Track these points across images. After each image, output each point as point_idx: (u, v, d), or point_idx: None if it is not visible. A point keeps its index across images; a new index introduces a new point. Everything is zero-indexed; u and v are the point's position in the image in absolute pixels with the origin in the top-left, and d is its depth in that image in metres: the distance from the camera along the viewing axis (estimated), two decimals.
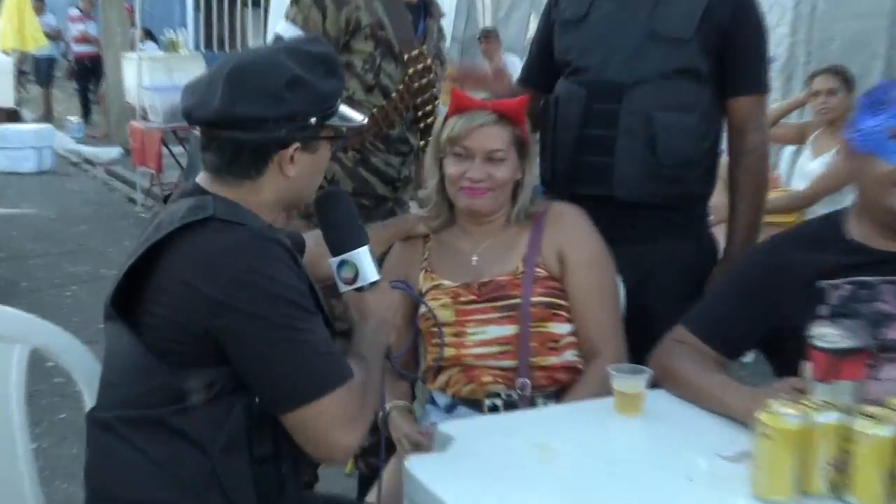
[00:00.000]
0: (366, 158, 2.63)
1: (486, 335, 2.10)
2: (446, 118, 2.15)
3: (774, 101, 7.27)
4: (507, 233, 2.19)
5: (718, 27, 2.25)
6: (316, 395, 1.50)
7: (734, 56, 2.29)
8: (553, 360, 2.11)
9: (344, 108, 1.71)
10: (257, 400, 1.54)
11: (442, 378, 2.15)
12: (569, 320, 2.13)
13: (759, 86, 2.35)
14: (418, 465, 1.58)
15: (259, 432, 1.55)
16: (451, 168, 2.12)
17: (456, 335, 2.12)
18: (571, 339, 2.13)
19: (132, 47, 10.25)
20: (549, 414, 1.87)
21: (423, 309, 2.14)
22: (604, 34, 2.29)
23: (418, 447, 1.90)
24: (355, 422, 1.55)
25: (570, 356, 2.13)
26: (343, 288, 1.71)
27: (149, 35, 11.16)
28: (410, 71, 2.60)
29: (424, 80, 2.64)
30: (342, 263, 1.70)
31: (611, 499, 1.51)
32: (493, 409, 2.08)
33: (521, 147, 2.15)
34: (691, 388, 1.85)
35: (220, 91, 1.56)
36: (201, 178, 1.65)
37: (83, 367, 1.88)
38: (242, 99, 1.57)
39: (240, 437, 1.54)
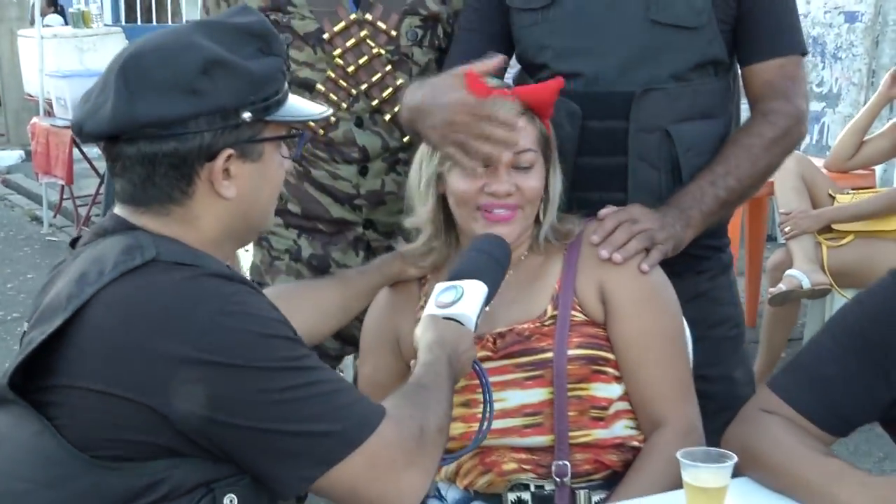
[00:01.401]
0: (307, 171, 2.51)
1: (507, 403, 1.99)
2: None
3: (857, 72, 7.35)
4: (529, 265, 2.10)
5: None
6: (358, 440, 1.44)
7: (753, 14, 2.21)
8: (600, 433, 2.00)
9: (294, 99, 1.61)
10: (227, 501, 1.44)
11: (450, 467, 2.05)
12: (618, 380, 2.02)
13: (789, 46, 2.26)
14: None
15: None
16: (461, 183, 2.01)
17: (464, 405, 2.01)
18: (623, 405, 2.03)
19: (31, 23, 10.19)
20: None
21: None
22: (587, 27, 2.19)
23: None
24: (414, 462, 1.50)
25: (622, 430, 2.03)
26: (431, 308, 1.80)
27: (53, 5, 11.14)
28: (337, 51, 2.43)
29: (365, 58, 2.45)
30: (451, 287, 1.80)
31: None
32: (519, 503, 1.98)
33: (546, 148, 2.05)
34: (789, 478, 1.78)
35: (115, 91, 1.46)
36: (121, 211, 1.55)
37: None
38: (143, 97, 1.46)
39: None
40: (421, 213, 2.09)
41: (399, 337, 2.11)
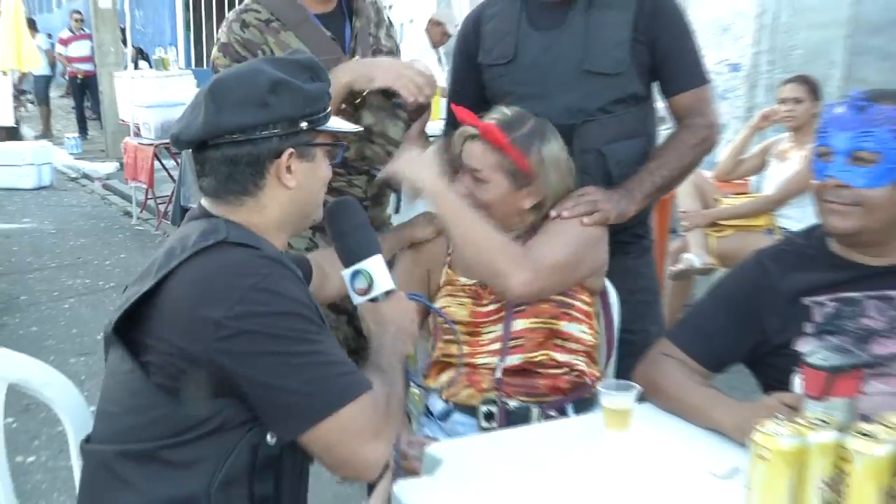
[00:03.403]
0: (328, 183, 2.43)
1: (497, 332, 2.01)
2: None
3: (736, 117, 7.36)
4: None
5: (647, 43, 2.16)
6: (336, 406, 1.38)
7: (668, 58, 2.20)
8: (559, 357, 2.00)
9: (336, 119, 1.60)
10: (269, 436, 1.42)
11: (444, 377, 2.05)
12: (580, 321, 2.03)
13: (699, 79, 2.25)
14: (406, 490, 1.49)
15: (262, 471, 1.43)
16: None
17: (470, 334, 2.02)
18: (580, 347, 2.03)
19: (125, 67, 10.14)
20: (537, 432, 1.78)
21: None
22: (539, 77, 2.18)
23: (409, 471, 1.81)
24: (380, 434, 1.42)
25: (577, 361, 2.02)
26: (357, 300, 1.60)
27: (141, 54, 11.07)
28: None
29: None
30: (356, 274, 1.59)
31: None
32: (489, 416, 1.97)
33: (514, 177, 2.00)
34: (679, 403, 1.79)
35: (204, 107, 1.46)
36: (205, 203, 1.54)
37: (65, 398, 1.75)
38: (227, 110, 1.46)
39: (241, 475, 1.42)
40: None
41: (430, 270, 2.14)
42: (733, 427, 1.63)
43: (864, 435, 1.38)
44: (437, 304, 2.06)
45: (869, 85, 1.89)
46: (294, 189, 1.52)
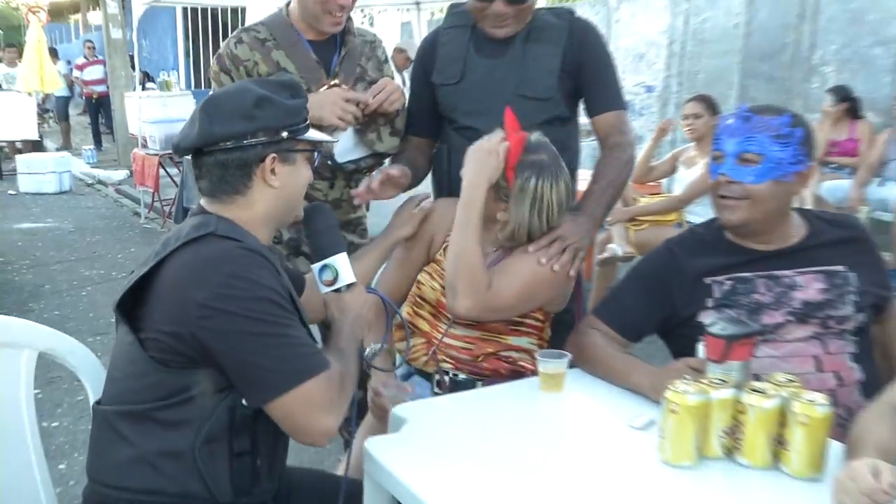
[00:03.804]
0: None
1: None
2: None
3: (651, 130, 7.43)
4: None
5: (573, 72, 2.14)
6: (297, 381, 1.35)
7: (592, 84, 2.17)
8: (511, 340, 1.93)
9: (314, 131, 1.58)
10: (243, 400, 1.40)
11: (409, 342, 1.98)
12: (529, 334, 1.95)
13: (617, 103, 2.21)
14: (375, 446, 1.47)
15: (239, 429, 1.41)
16: None
17: (433, 315, 1.97)
18: (525, 352, 1.94)
19: (134, 88, 9.99)
20: (485, 395, 1.76)
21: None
22: (482, 97, 2.13)
23: (380, 407, 1.77)
24: (333, 407, 1.39)
25: (526, 342, 1.95)
26: (324, 290, 1.58)
27: (147, 77, 10.89)
28: None
29: None
30: (324, 268, 1.57)
31: (537, 466, 1.43)
32: (440, 383, 1.93)
33: (497, 185, 1.88)
34: (603, 368, 1.79)
35: (199, 120, 1.45)
36: (202, 202, 1.52)
37: (86, 365, 1.73)
38: (218, 121, 1.44)
39: (221, 433, 1.40)
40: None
41: (434, 235, 2.04)
42: (649, 387, 1.64)
43: (756, 391, 1.41)
44: (418, 278, 2.01)
45: (758, 102, 1.92)
46: (278, 188, 1.49)
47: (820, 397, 1.38)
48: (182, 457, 1.39)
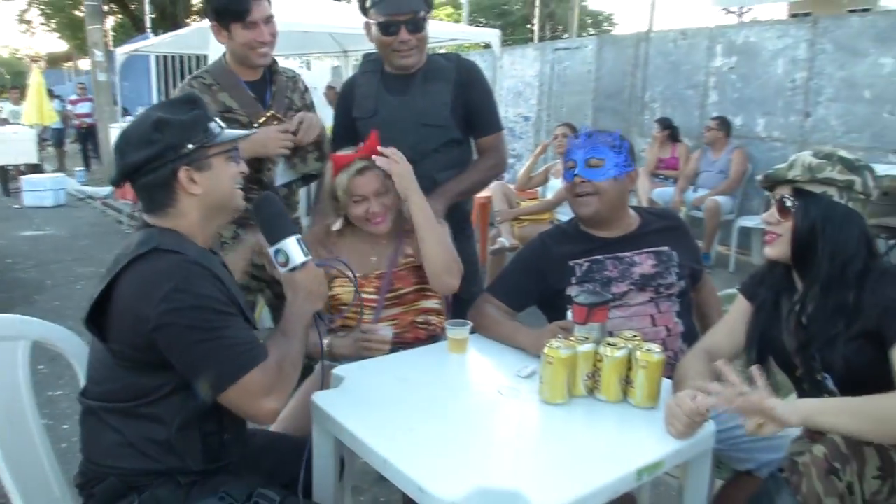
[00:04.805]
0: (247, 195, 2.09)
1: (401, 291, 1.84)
2: (332, 177, 1.82)
3: (528, 150, 7.53)
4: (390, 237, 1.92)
5: (462, 103, 2.11)
6: (234, 378, 1.23)
7: (476, 112, 2.14)
8: (423, 304, 1.84)
9: (228, 130, 1.37)
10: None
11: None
12: (431, 297, 1.87)
13: (496, 126, 2.20)
14: (321, 399, 1.43)
15: (206, 416, 1.30)
16: (357, 209, 1.82)
17: (356, 314, 1.81)
18: (432, 311, 1.86)
19: (117, 121, 9.47)
20: (406, 356, 1.72)
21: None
22: (391, 126, 2.05)
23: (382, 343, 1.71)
24: (273, 391, 1.26)
25: (432, 304, 1.86)
26: (280, 270, 1.42)
27: (126, 112, 10.40)
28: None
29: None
30: (277, 252, 1.41)
31: (449, 410, 1.42)
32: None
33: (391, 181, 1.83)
34: (496, 332, 1.78)
35: (116, 156, 1.31)
36: (145, 216, 1.35)
37: (76, 352, 1.60)
38: (128, 153, 1.29)
39: (192, 420, 1.29)
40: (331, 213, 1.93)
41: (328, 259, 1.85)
42: (531, 345, 1.64)
43: (610, 345, 1.43)
44: (333, 291, 1.82)
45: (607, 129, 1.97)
46: (202, 195, 1.32)
47: (655, 347, 1.41)
48: (162, 442, 1.29)
